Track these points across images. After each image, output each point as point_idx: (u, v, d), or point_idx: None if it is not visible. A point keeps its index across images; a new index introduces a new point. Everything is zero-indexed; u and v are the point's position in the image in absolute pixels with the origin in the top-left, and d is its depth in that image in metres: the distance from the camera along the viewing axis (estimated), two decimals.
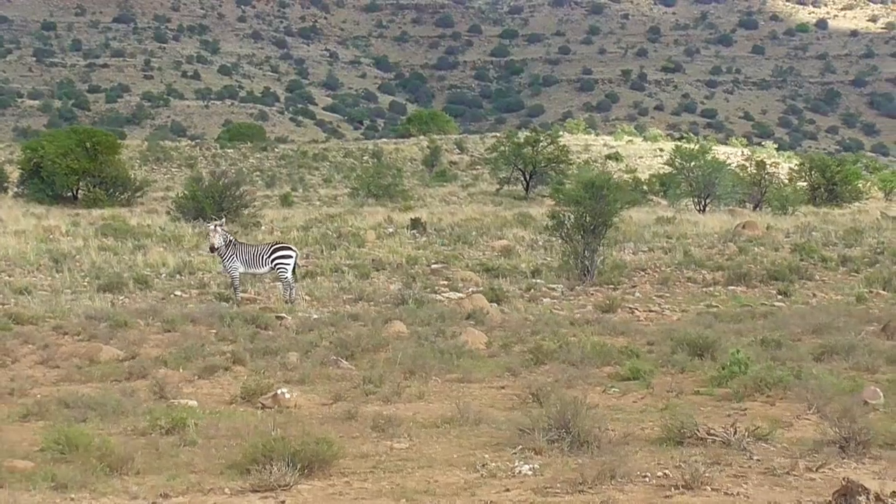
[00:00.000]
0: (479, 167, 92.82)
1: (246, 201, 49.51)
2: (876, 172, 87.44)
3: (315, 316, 24.47)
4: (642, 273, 32.37)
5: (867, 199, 69.94)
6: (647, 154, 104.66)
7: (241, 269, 26.85)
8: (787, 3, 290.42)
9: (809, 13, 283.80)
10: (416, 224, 43.27)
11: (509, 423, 13.23)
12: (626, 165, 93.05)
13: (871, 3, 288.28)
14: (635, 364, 16.80)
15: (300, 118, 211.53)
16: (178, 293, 28.14)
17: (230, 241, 27.02)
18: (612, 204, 29.75)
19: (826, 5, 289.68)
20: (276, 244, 28.33)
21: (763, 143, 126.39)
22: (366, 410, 14.36)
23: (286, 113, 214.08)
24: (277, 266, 26.91)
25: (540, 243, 38.56)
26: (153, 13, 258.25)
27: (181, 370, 17.32)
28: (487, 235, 41.14)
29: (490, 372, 17.36)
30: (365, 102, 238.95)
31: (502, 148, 75.05)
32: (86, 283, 29.44)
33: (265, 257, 26.92)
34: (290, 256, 27.08)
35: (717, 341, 17.69)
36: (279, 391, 14.76)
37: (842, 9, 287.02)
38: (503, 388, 16.30)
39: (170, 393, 15.35)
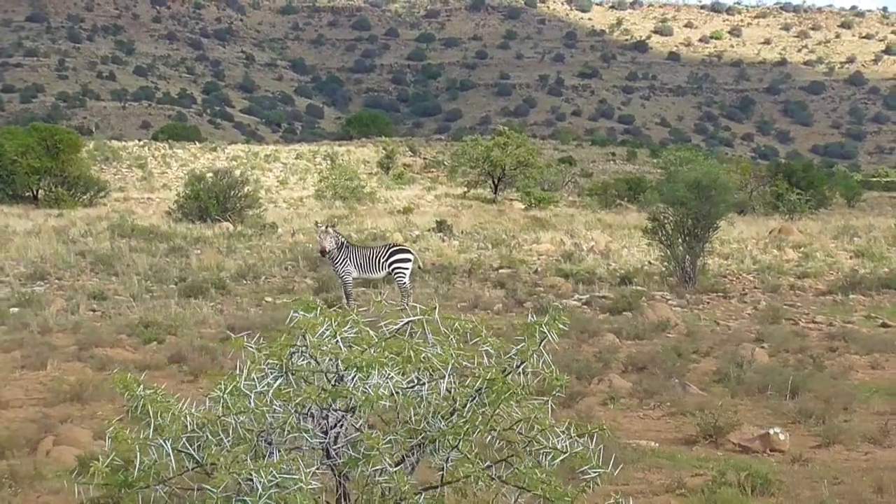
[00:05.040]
0: (434, 170, 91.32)
1: (250, 202, 47.38)
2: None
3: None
4: (724, 279, 30.92)
5: (831, 205, 69.55)
6: (599, 158, 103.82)
7: (355, 274, 24.14)
8: (702, 11, 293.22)
9: (724, 21, 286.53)
10: (441, 227, 42.19)
11: None
12: (581, 169, 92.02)
13: (784, 12, 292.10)
14: None
15: (218, 120, 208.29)
16: (268, 299, 25.83)
17: (342, 243, 24.42)
18: (718, 206, 28.09)
19: (740, 13, 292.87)
20: (393, 246, 25.71)
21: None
22: None
23: (204, 115, 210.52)
24: (396, 270, 24.45)
25: (584, 248, 37.20)
26: (66, 12, 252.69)
27: None
28: (518, 239, 39.83)
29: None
30: (282, 105, 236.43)
31: (470, 150, 73.54)
32: (154, 287, 27.17)
33: (382, 261, 24.23)
34: (409, 260, 24.57)
35: None
36: (772, 431, 12.30)
37: (755, 17, 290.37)
38: None
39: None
